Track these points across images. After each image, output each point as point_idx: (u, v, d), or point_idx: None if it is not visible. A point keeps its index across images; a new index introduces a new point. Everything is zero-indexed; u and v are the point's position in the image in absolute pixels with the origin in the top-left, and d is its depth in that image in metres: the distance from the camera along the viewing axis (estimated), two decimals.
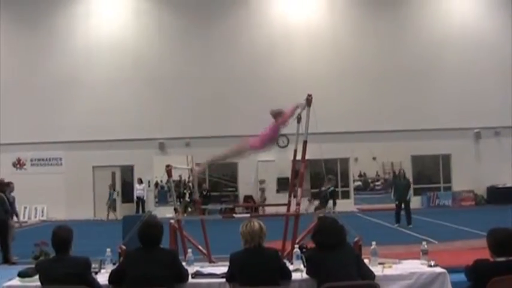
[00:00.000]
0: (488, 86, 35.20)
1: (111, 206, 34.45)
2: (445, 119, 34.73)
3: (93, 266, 7.12)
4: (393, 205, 25.04)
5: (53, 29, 35.35)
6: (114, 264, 7.84)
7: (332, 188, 21.46)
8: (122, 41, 35.44)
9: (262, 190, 35.00)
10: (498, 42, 35.74)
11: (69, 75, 34.61)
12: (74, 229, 6.98)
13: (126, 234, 9.19)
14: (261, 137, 11.18)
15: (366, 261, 7.29)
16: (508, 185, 35.12)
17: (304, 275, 7.10)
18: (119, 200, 35.47)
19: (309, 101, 10.53)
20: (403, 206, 24.23)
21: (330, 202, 20.77)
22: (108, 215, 33.87)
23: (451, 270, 7.90)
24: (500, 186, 35.18)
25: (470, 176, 35.19)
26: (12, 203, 16.98)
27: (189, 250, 8.58)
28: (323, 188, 21.39)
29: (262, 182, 35.08)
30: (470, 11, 36.35)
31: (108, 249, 8.05)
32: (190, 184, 30.80)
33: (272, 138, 11.25)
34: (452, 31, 35.83)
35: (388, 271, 7.59)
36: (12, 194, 17.26)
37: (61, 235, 6.79)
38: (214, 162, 12.21)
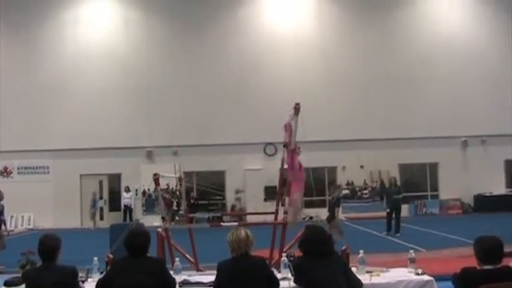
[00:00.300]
0: (475, 95, 35.40)
1: (95, 214, 34.27)
2: (432, 127, 34.87)
3: (80, 275, 7.08)
4: (381, 213, 25.05)
5: (42, 35, 35.24)
6: (101, 273, 7.81)
7: (337, 195, 21.45)
8: (110, 49, 35.39)
9: (239, 199, 34.98)
10: (485, 51, 35.97)
11: (57, 82, 34.53)
12: (61, 238, 6.94)
13: (114, 243, 9.18)
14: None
15: (353, 269, 7.29)
16: (495, 193, 35.30)
17: (292, 284, 7.10)
18: (106, 208, 35.38)
19: (296, 109, 10.56)
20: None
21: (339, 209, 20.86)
22: (94, 223, 33.76)
23: (439, 278, 7.92)
24: (487, 194, 35.32)
25: (457, 184, 35.30)
26: (1, 212, 16.89)
27: (177, 259, 8.56)
28: (329, 197, 21.46)
29: (238, 191, 35.02)
30: (457, 21, 36.54)
31: (95, 258, 8.02)
32: (178, 193, 30.76)
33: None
34: (440, 40, 36.00)
35: (375, 279, 7.60)
36: (2, 202, 17.16)
37: (48, 244, 6.74)
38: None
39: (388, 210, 24.31)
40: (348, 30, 36.10)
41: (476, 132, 35.22)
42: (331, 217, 20.25)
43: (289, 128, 10.81)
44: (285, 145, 10.94)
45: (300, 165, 10.93)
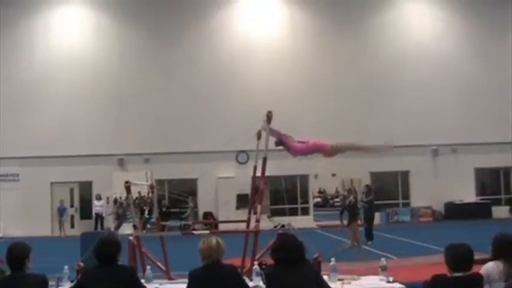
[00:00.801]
0: (445, 104, 35.70)
1: (62, 222, 33.93)
2: (403, 136, 34.94)
3: (50, 283, 7.02)
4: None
5: (12, 42, 34.82)
6: (72, 281, 7.75)
7: (352, 200, 21.48)
8: (81, 56, 35.15)
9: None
10: (455, 61, 36.32)
11: (27, 89, 34.20)
12: (31, 246, 6.86)
13: (84, 251, 9.11)
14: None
15: (325, 277, 7.30)
16: (465, 201, 35.62)
17: None
18: (77, 216, 35.11)
19: (269, 117, 10.59)
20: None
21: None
22: (64, 231, 33.46)
23: (410, 285, 7.96)
24: (457, 202, 35.62)
25: (428, 192, 35.52)
26: None
27: (148, 267, 8.53)
28: (347, 202, 21.51)
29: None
30: (428, 30, 36.82)
31: (66, 267, 7.96)
32: (149, 200, 30.66)
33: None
34: (411, 49, 36.27)
35: (347, 287, 7.61)
36: None
37: (16, 252, 6.63)
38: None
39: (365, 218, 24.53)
40: (320, 38, 36.23)
41: (447, 141, 35.51)
42: (352, 221, 20.18)
43: (274, 131, 10.89)
44: (278, 143, 11.03)
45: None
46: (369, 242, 23.27)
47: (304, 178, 35.95)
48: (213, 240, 6.70)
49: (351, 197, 20.95)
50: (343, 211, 20.67)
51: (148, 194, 31.28)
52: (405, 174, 36.59)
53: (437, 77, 35.91)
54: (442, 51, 36.41)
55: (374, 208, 25.15)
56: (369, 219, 24.36)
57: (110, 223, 33.25)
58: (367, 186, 26.66)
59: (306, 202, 36.14)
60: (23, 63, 34.72)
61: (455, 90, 35.81)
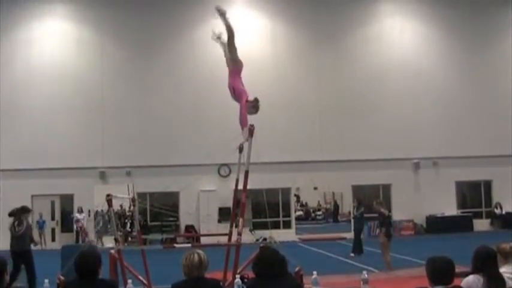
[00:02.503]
0: (426, 118, 35.94)
1: (41, 235, 33.61)
2: (385, 149, 35.20)
3: None
4: (334, 235, 25.25)
5: None
6: None
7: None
8: (63, 68, 34.99)
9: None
10: (437, 75, 36.59)
11: (7, 101, 33.91)
12: (7, 259, 6.80)
13: (65, 264, 9.06)
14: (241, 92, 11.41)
15: None
16: (447, 214, 35.78)
17: None
18: (58, 229, 34.89)
19: (251, 130, 10.61)
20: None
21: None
22: (42, 244, 33.17)
23: None
24: (439, 215, 35.75)
25: (409, 206, 35.62)
26: None
27: (129, 280, 8.50)
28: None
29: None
30: (409, 44, 37.06)
31: (46, 280, 7.90)
32: (130, 213, 30.56)
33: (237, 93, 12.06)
34: (393, 63, 36.47)
35: None
36: None
37: None
38: (229, 27, 12.24)
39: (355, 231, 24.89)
40: (302, 52, 36.34)
41: (428, 154, 35.70)
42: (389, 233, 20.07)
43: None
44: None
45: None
46: (352, 254, 23.35)
47: (286, 191, 35.95)
48: (195, 256, 6.61)
49: (383, 209, 20.80)
50: (383, 224, 20.29)
51: (129, 207, 31.14)
52: (387, 188, 36.67)
53: (418, 90, 36.15)
54: (423, 65, 36.66)
55: (364, 221, 25.66)
56: (359, 232, 24.67)
57: (91, 236, 33.05)
58: (357, 199, 27.00)
59: (288, 215, 36.12)
60: (4, 75, 34.48)
61: (437, 104, 36.07)
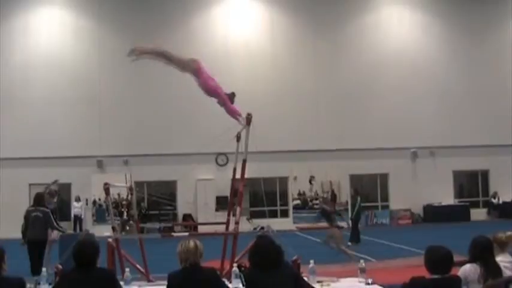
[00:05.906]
0: (424, 108, 35.91)
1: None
2: (382, 138, 35.20)
3: (28, 286, 6.96)
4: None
5: None
6: (50, 284, 7.70)
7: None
8: (60, 57, 34.91)
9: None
10: (435, 64, 36.54)
11: (5, 90, 33.86)
12: (9, 248, 6.81)
13: (63, 254, 9.06)
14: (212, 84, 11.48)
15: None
16: (444, 203, 35.84)
17: None
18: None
19: (248, 119, 10.62)
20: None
21: None
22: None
23: (388, 287, 7.98)
24: (436, 204, 35.80)
25: (407, 195, 35.67)
26: None
27: (127, 269, 8.49)
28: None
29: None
30: (408, 34, 36.98)
31: (44, 269, 7.90)
32: (128, 202, 30.57)
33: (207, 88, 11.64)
34: (390, 53, 36.41)
35: None
36: None
37: None
38: (156, 53, 12.19)
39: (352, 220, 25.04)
40: (300, 42, 36.28)
41: (426, 144, 35.70)
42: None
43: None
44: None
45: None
46: (349, 244, 23.39)
47: (283, 180, 36.00)
48: (191, 243, 6.67)
49: (325, 206, 21.32)
50: (329, 218, 20.78)
51: (127, 196, 31.16)
52: (384, 177, 36.71)
53: (416, 80, 36.11)
54: (421, 54, 36.61)
55: (361, 211, 25.89)
56: (356, 221, 24.87)
57: (88, 225, 33.06)
58: (354, 189, 27.06)
59: (286, 204, 36.16)
60: (1, 64, 34.43)
61: (434, 93, 36.05)
